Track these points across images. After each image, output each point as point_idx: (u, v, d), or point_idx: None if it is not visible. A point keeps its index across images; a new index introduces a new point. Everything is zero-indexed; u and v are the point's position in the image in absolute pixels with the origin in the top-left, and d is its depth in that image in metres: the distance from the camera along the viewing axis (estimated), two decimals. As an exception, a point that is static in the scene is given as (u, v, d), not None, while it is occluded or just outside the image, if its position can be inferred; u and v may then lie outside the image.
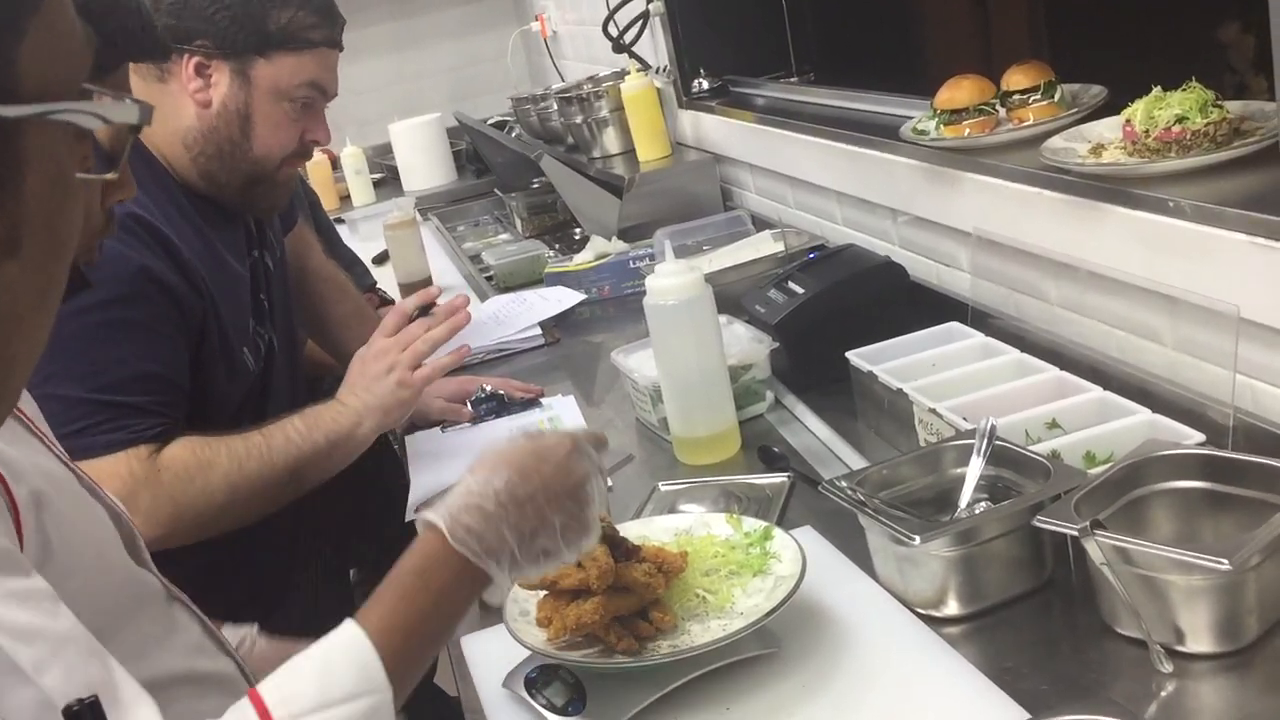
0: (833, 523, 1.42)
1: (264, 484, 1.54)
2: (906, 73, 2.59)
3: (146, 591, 1.01)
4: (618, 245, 2.67)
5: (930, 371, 1.62)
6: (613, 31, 3.01)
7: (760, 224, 2.55)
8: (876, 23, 2.89)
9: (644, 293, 1.69)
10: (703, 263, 2.28)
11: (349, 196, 4.19)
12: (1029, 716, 1.03)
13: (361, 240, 3.51)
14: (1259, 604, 1.07)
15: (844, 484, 1.31)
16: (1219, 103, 1.44)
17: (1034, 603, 1.22)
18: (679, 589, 1.25)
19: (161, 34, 1.23)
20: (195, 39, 1.60)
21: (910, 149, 1.89)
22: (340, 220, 3.68)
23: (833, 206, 2.33)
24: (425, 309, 1.84)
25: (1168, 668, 1.07)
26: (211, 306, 1.57)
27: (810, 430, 1.75)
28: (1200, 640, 1.08)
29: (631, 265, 2.58)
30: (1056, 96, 1.74)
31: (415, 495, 1.77)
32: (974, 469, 1.30)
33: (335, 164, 4.28)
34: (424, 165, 4.22)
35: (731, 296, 2.01)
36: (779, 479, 1.59)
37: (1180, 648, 1.08)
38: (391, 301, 2.78)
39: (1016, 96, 1.76)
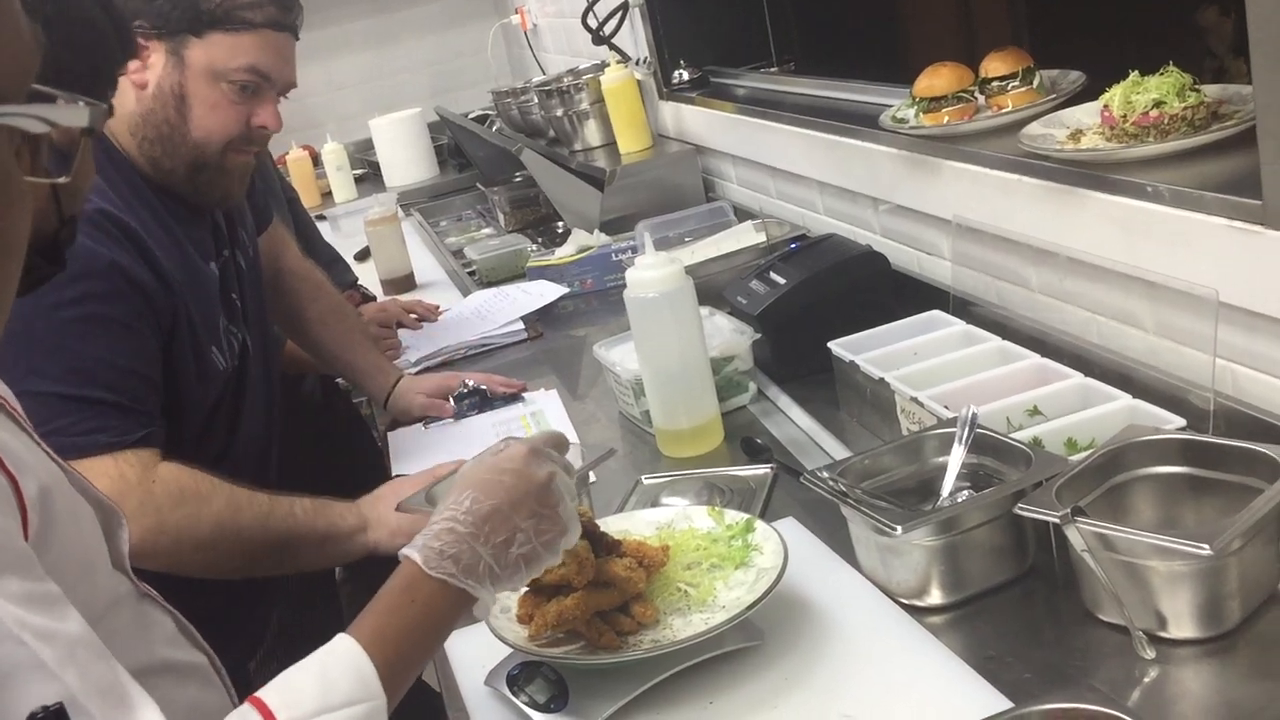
0: (816, 513, 1.42)
1: (250, 542, 1.51)
2: (888, 62, 2.59)
3: (121, 590, 1.01)
4: (600, 238, 2.66)
5: (912, 360, 1.62)
6: (592, 23, 3.00)
7: (742, 214, 2.55)
8: (857, 11, 2.88)
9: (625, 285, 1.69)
10: (684, 254, 2.28)
11: (330, 193, 4.17)
12: (1012, 705, 1.03)
13: (343, 237, 3.50)
14: (1240, 589, 1.07)
15: (826, 475, 1.31)
16: (1196, 86, 1.43)
17: (1016, 591, 1.22)
18: (660, 583, 1.25)
19: (125, 33, 1.22)
20: (134, 20, 1.58)
21: (890, 137, 1.88)
22: (322, 217, 3.65)
23: (814, 196, 2.32)
24: None
25: (1150, 654, 1.07)
26: (181, 303, 1.56)
27: (793, 421, 1.74)
28: (1182, 626, 1.08)
29: (614, 258, 2.57)
30: (1035, 83, 1.73)
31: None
32: (956, 457, 1.30)
33: (316, 160, 4.26)
34: (405, 160, 4.20)
35: (713, 288, 2.01)
36: (762, 470, 1.58)
37: (1162, 634, 1.08)
38: (373, 298, 2.77)
39: (995, 83, 1.75)
